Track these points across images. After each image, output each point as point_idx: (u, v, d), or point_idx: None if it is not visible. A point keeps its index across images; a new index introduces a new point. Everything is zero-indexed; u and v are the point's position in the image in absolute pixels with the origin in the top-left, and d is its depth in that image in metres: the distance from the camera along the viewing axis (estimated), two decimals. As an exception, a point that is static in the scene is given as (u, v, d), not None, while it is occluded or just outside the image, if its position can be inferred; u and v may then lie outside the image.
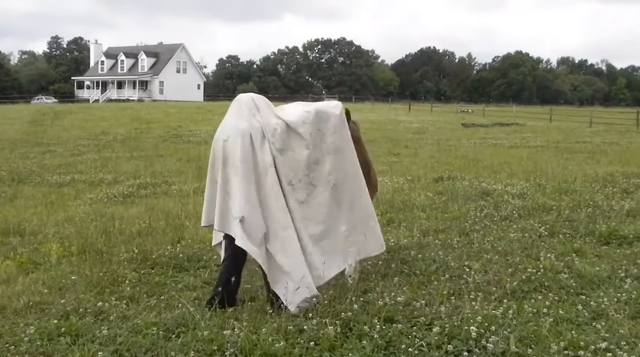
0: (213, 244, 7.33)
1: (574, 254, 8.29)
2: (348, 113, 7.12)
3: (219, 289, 6.43)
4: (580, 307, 6.30)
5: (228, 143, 6.44)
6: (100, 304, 6.53)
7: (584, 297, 6.66)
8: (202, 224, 6.97)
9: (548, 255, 8.19)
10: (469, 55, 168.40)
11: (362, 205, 6.98)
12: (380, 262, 8.06)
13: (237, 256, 6.53)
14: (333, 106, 6.90)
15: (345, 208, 6.77)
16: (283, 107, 6.98)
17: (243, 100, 6.70)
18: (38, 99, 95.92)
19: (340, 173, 6.73)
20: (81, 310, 6.35)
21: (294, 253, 6.38)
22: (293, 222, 6.46)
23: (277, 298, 6.32)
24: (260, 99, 6.76)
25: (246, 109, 6.55)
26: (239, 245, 6.30)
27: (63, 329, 5.75)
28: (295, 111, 6.79)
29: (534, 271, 7.48)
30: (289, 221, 6.43)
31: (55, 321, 5.97)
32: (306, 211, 6.55)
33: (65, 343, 5.50)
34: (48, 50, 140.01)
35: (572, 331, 5.61)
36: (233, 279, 6.47)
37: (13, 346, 5.46)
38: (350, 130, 7.09)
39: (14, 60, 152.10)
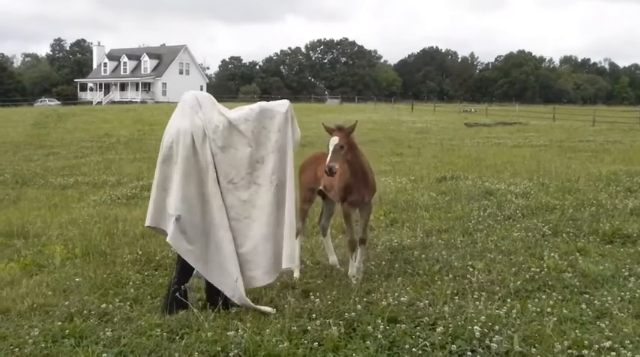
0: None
1: (578, 253, 8.28)
2: (341, 126, 7.22)
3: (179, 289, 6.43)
4: (584, 306, 6.30)
5: (170, 142, 6.45)
6: (104, 305, 6.54)
7: (587, 296, 6.65)
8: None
9: (552, 254, 8.19)
10: (472, 55, 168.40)
11: (292, 211, 6.66)
12: (383, 263, 8.08)
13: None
14: (279, 104, 6.73)
15: (284, 210, 6.56)
16: (238, 109, 6.88)
17: (186, 99, 6.66)
18: (41, 101, 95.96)
19: (282, 173, 6.58)
20: (85, 311, 6.36)
21: (227, 255, 6.37)
22: (230, 222, 6.42)
23: (214, 297, 6.39)
24: (204, 97, 6.71)
25: (189, 108, 6.53)
26: (169, 243, 6.42)
27: (67, 331, 5.76)
28: (241, 109, 6.73)
29: (538, 270, 7.48)
30: (225, 221, 6.39)
31: (59, 323, 5.98)
32: (250, 210, 6.48)
33: (69, 345, 5.51)
34: (51, 53, 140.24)
35: (576, 330, 5.61)
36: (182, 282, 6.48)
37: (17, 348, 5.47)
38: (351, 138, 7.15)
39: (17, 63, 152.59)
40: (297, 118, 6.84)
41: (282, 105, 6.70)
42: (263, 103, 6.77)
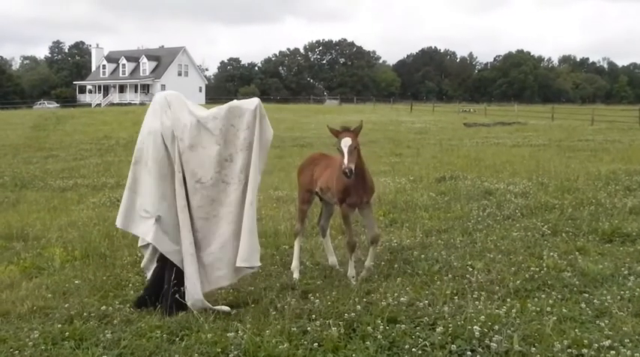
0: (139, 245, 7.14)
1: (577, 252, 8.28)
2: (347, 128, 7.25)
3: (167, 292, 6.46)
4: (583, 305, 6.30)
5: (141, 144, 6.50)
6: (103, 307, 6.55)
7: (587, 295, 6.65)
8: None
9: (551, 253, 8.19)
10: (470, 55, 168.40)
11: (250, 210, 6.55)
12: (383, 263, 8.09)
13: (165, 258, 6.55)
14: (248, 102, 6.69)
15: (247, 208, 6.49)
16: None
17: (156, 99, 6.69)
18: (40, 104, 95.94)
19: (250, 171, 6.53)
20: (85, 314, 6.36)
21: (187, 257, 6.38)
22: (198, 221, 6.43)
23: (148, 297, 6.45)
24: (173, 96, 6.72)
25: (159, 108, 6.55)
26: (153, 243, 6.45)
27: (67, 333, 5.77)
28: (212, 108, 6.71)
29: (537, 269, 7.48)
30: (187, 222, 6.39)
31: (59, 325, 5.99)
32: (218, 209, 6.48)
33: (69, 347, 5.52)
34: (50, 55, 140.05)
35: (576, 330, 5.61)
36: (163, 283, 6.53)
37: (17, 351, 5.48)
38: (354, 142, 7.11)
39: (16, 65, 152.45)
40: (268, 117, 6.76)
41: (251, 103, 6.67)
42: (233, 102, 6.76)
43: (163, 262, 6.59)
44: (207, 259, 6.47)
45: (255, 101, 6.67)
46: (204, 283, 6.45)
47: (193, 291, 6.34)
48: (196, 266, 6.39)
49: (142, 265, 7.18)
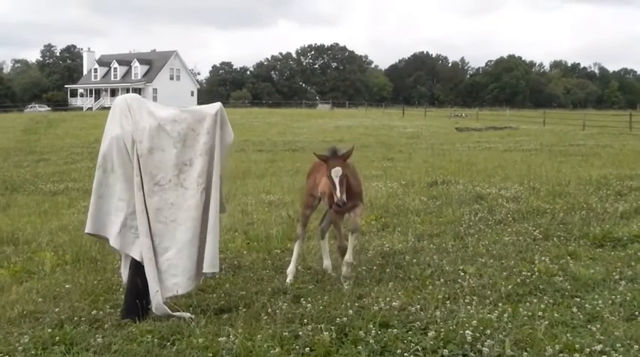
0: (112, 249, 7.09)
1: (568, 257, 8.30)
2: (335, 152, 7.19)
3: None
4: (575, 309, 6.31)
5: (105, 150, 6.47)
6: (94, 312, 6.52)
7: (578, 300, 6.67)
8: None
9: (543, 258, 8.21)
10: (462, 60, 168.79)
11: (215, 215, 6.55)
12: (375, 267, 8.07)
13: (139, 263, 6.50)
14: (209, 107, 6.66)
15: (208, 215, 6.46)
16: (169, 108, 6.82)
17: (116, 103, 6.65)
18: (31, 107, 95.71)
19: (209, 176, 6.49)
20: (75, 318, 6.33)
21: (146, 261, 6.35)
22: (157, 225, 6.38)
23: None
24: (133, 99, 6.68)
25: (119, 112, 6.51)
26: (116, 248, 6.51)
27: (57, 338, 5.72)
28: (171, 109, 6.66)
29: (529, 274, 7.49)
30: (145, 227, 6.35)
31: (50, 330, 5.94)
32: (177, 214, 6.42)
33: (60, 352, 5.48)
34: (41, 58, 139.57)
35: (568, 334, 5.61)
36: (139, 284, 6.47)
37: (7, 356, 5.44)
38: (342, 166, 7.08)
39: (7, 69, 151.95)
40: (229, 122, 6.72)
41: (212, 107, 6.62)
42: (194, 106, 6.79)
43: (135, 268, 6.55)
44: (163, 265, 6.39)
45: (216, 106, 6.62)
46: (161, 289, 6.38)
47: (153, 296, 6.32)
48: (155, 271, 6.34)
49: (121, 270, 7.10)
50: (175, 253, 6.38)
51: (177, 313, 6.35)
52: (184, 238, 6.38)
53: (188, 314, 6.35)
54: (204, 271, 6.47)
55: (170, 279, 6.39)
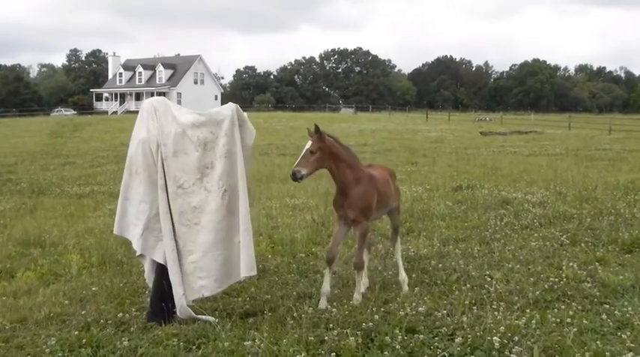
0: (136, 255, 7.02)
1: (597, 263, 8.21)
2: (317, 129, 6.73)
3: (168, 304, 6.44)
4: (604, 316, 6.23)
5: (131, 152, 6.57)
6: (120, 315, 6.56)
7: (608, 306, 6.58)
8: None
9: (571, 264, 8.12)
10: (486, 64, 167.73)
11: (246, 217, 6.49)
12: (400, 272, 8.02)
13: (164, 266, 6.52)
14: (226, 108, 6.65)
15: (238, 218, 6.43)
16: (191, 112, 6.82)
17: (144, 106, 6.70)
18: (57, 111, 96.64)
19: (232, 178, 6.46)
20: (102, 321, 6.37)
21: (170, 263, 6.38)
22: (181, 228, 6.41)
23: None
24: (160, 102, 6.71)
25: (146, 116, 6.57)
26: (139, 252, 6.52)
27: (84, 340, 5.75)
28: (191, 114, 6.66)
29: (557, 280, 7.41)
30: (169, 228, 6.38)
31: (76, 332, 5.99)
32: (200, 217, 6.43)
33: (86, 355, 5.51)
34: (67, 63, 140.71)
35: (597, 341, 5.54)
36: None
37: (34, 358, 5.48)
38: (328, 143, 6.77)
39: (34, 73, 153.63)
40: (248, 122, 6.67)
41: (228, 109, 6.62)
42: (212, 109, 6.76)
43: (161, 271, 6.57)
44: (188, 267, 6.43)
45: (231, 107, 6.63)
46: (187, 291, 6.42)
47: (178, 299, 6.35)
48: (179, 274, 6.39)
49: (145, 275, 7.12)
50: (200, 256, 6.41)
51: (202, 317, 6.37)
52: (208, 241, 6.41)
53: (212, 318, 6.35)
54: (242, 275, 6.44)
55: (197, 282, 6.42)
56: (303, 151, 6.69)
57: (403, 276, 7.56)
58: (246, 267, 6.38)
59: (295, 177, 6.58)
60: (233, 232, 6.45)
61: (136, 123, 6.67)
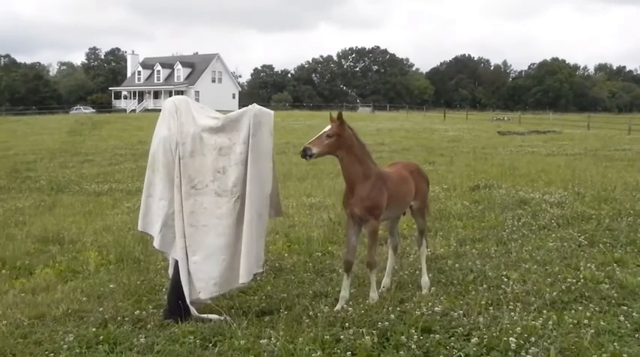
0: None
1: (615, 264, 8.14)
2: (340, 116, 6.73)
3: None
4: (622, 318, 6.18)
5: (153, 150, 6.63)
6: (137, 312, 6.60)
7: (626, 308, 6.53)
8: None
9: (589, 265, 8.06)
10: (504, 63, 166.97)
11: (259, 225, 6.52)
12: (417, 272, 8.01)
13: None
14: (247, 114, 6.46)
15: (245, 226, 6.39)
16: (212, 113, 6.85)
17: (166, 105, 6.72)
18: (76, 109, 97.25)
19: (247, 186, 6.39)
20: (119, 318, 6.41)
21: (181, 265, 6.42)
22: (187, 228, 6.42)
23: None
24: (181, 101, 6.73)
25: (167, 114, 6.60)
26: (157, 248, 6.59)
27: (101, 337, 5.81)
28: (210, 117, 6.65)
29: (574, 281, 7.36)
30: (180, 227, 6.42)
31: (94, 329, 6.04)
32: (209, 219, 6.44)
33: (103, 351, 5.55)
34: (86, 61, 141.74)
35: (615, 343, 5.50)
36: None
37: (52, 354, 5.54)
38: (346, 132, 6.74)
39: (53, 71, 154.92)
40: (269, 125, 6.53)
41: (248, 114, 6.47)
42: (231, 114, 6.63)
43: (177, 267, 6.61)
44: (191, 267, 6.46)
45: (250, 113, 6.47)
46: (190, 290, 6.45)
47: (187, 296, 6.40)
48: (187, 273, 6.43)
49: (168, 271, 7.16)
50: (203, 257, 6.44)
51: (207, 316, 6.41)
52: (214, 245, 6.44)
53: (216, 316, 6.39)
54: (240, 281, 6.43)
55: (196, 282, 6.46)
56: (320, 133, 6.68)
57: (426, 280, 7.50)
58: (245, 273, 6.37)
59: (305, 153, 6.53)
60: (239, 239, 6.45)
61: (158, 121, 6.71)
